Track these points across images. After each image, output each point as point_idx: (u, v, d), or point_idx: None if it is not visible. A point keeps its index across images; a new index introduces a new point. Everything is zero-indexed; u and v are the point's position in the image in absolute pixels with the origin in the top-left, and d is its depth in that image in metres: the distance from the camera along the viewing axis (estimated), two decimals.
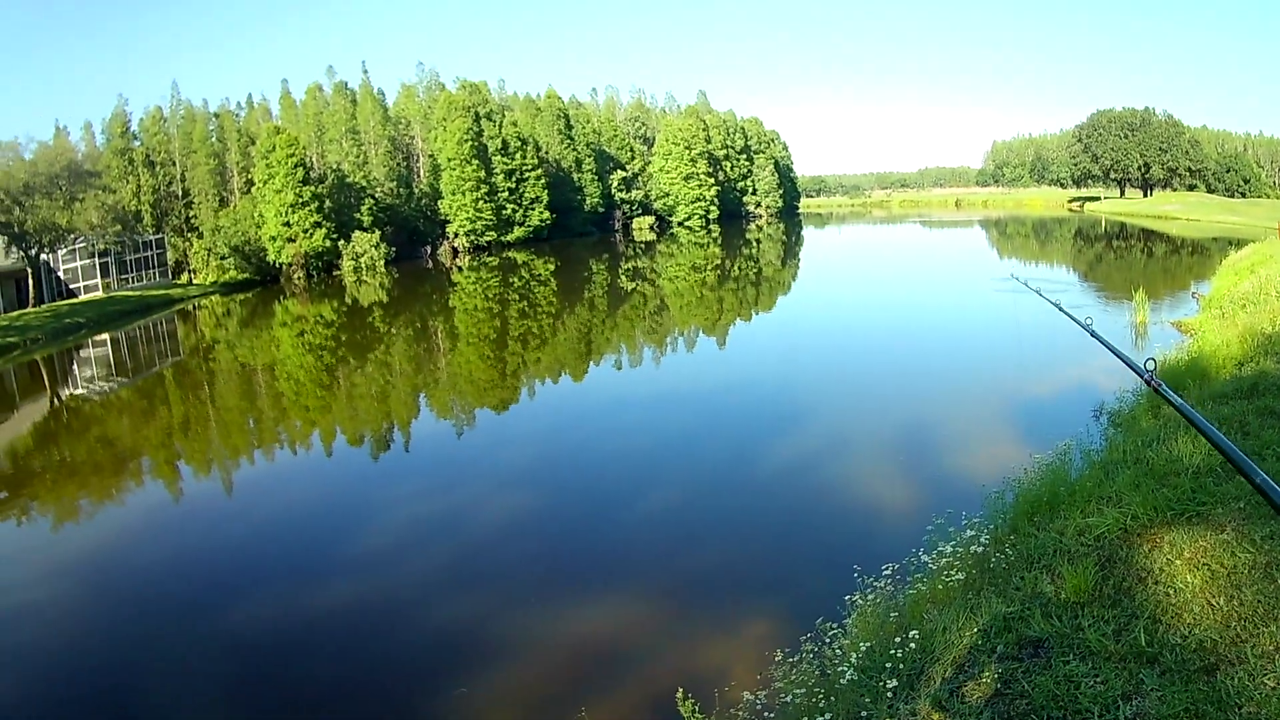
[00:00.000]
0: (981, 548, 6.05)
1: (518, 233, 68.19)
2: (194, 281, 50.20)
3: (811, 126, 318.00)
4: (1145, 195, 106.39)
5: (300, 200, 49.79)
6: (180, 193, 53.92)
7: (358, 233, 53.73)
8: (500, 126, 68.09)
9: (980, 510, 7.45)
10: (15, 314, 36.32)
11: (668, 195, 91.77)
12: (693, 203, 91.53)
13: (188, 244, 52.01)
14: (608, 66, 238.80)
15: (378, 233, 54.51)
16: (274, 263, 50.89)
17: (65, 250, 42.34)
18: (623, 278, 47.19)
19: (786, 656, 5.80)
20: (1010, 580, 5.03)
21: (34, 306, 38.16)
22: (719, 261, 56.28)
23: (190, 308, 43.11)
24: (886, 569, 6.72)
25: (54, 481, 14.98)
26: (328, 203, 52.33)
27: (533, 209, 69.42)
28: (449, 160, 63.05)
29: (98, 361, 29.44)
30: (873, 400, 16.58)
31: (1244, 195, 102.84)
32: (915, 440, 13.44)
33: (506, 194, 66.92)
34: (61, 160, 40.21)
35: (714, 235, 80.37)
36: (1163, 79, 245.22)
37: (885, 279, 41.89)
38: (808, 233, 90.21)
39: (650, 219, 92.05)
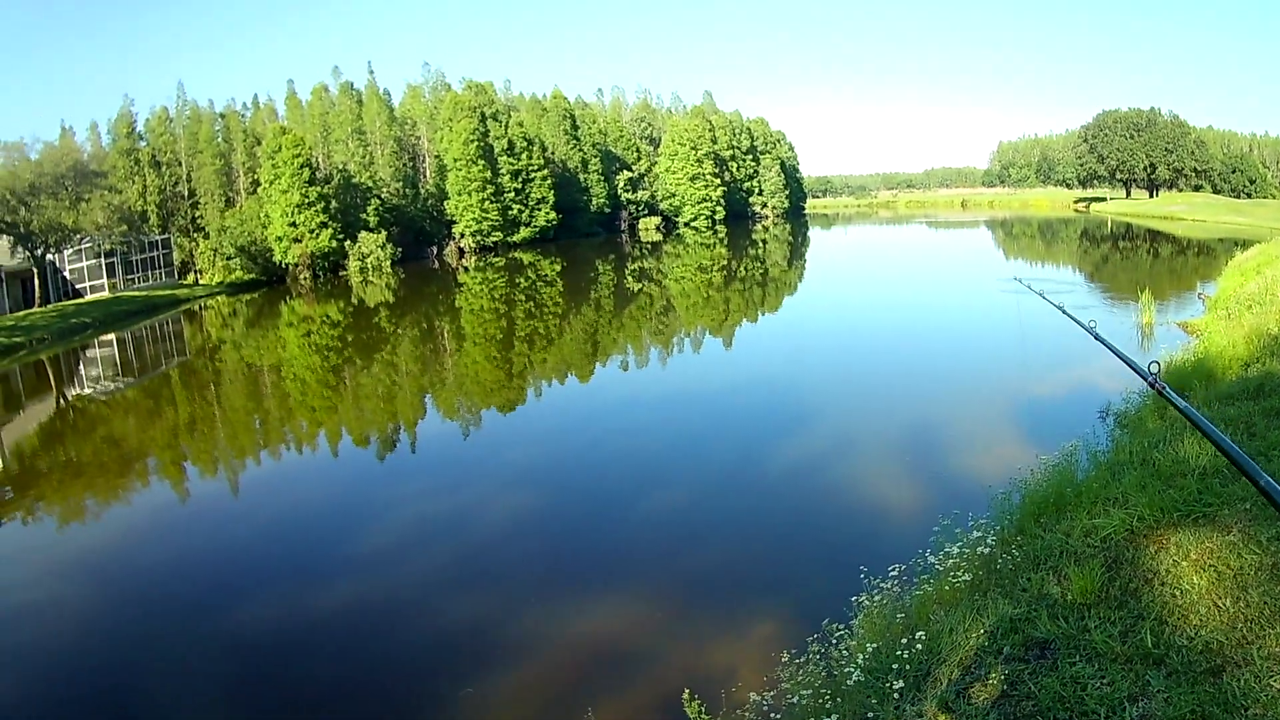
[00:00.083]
0: (988, 549, 6.02)
1: (524, 233, 68.22)
2: (200, 282, 50.41)
3: (817, 128, 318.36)
4: (1151, 196, 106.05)
5: (306, 200, 49.89)
6: (186, 193, 54.17)
7: (364, 233, 53.80)
8: (506, 127, 68.10)
9: (987, 511, 7.43)
10: (21, 314, 36.47)
11: (674, 196, 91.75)
12: (699, 203, 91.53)
13: (194, 244, 52.23)
14: (609, 67, 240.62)
15: (384, 233, 54.59)
16: (280, 263, 50.98)
17: (71, 250, 42.55)
18: (629, 278, 47.19)
19: (793, 657, 5.80)
20: (1017, 581, 5.02)
21: (40, 306, 38.34)
22: (725, 262, 56.23)
23: (196, 308, 43.25)
24: (893, 570, 6.71)
25: (60, 481, 15.03)
26: (334, 203, 52.41)
27: (539, 209, 69.44)
28: (455, 160, 63.10)
29: (104, 361, 29.57)
30: (879, 401, 16.55)
31: (1250, 196, 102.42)
32: (921, 441, 13.41)
33: (513, 194, 66.95)
34: (67, 160, 40.41)
35: (720, 236, 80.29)
36: (1163, 79, 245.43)
37: (891, 280, 41.81)
38: (814, 233, 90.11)
39: (656, 219, 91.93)
